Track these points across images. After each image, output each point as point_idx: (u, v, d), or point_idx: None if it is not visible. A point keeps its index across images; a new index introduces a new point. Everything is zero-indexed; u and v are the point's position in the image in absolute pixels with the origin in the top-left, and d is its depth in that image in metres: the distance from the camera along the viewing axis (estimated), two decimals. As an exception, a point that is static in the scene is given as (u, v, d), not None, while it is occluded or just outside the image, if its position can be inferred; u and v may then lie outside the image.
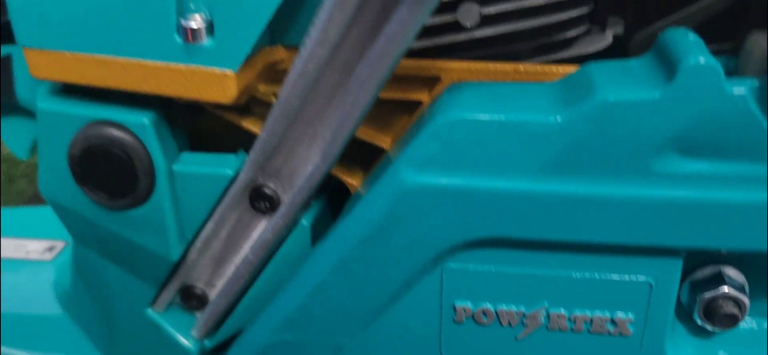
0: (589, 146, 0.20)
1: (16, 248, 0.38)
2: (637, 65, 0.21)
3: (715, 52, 0.21)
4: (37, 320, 0.35)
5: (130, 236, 0.27)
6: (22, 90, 0.32)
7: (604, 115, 0.19)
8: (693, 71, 0.19)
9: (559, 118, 0.20)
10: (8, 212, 0.43)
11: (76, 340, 0.33)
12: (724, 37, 0.22)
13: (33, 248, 0.38)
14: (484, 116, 0.20)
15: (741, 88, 0.19)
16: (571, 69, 0.23)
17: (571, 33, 0.24)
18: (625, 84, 0.20)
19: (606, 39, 0.25)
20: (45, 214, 0.42)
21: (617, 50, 0.25)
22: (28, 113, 0.34)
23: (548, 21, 0.23)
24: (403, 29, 0.20)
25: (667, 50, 0.20)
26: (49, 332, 0.34)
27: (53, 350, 0.34)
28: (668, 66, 0.19)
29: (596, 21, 0.25)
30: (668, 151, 0.20)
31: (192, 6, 0.23)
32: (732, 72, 0.21)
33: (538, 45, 0.24)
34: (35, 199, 0.61)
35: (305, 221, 0.26)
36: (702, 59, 0.19)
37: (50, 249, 0.38)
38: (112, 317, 0.30)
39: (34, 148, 0.37)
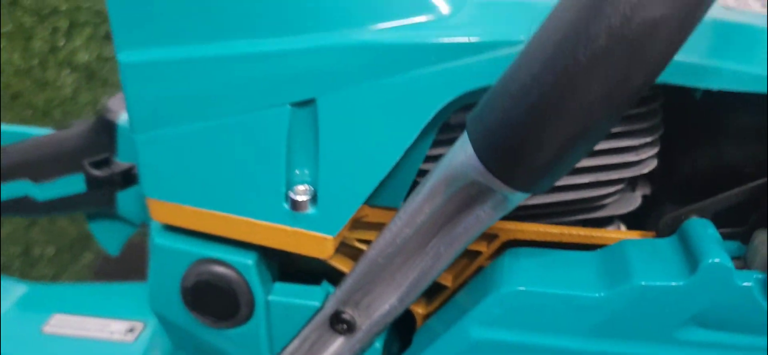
0: (626, 318, 0.25)
1: (101, 327, 0.43)
2: (665, 248, 0.25)
3: (727, 236, 0.26)
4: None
5: (227, 349, 0.32)
6: (123, 208, 0.37)
7: (639, 295, 0.24)
8: (711, 268, 0.23)
9: (602, 294, 0.25)
10: (90, 288, 0.48)
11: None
12: (736, 222, 0.26)
13: (116, 328, 0.43)
14: (540, 289, 0.25)
15: (748, 282, 0.24)
16: (609, 234, 0.28)
17: (609, 199, 0.29)
18: (656, 270, 0.24)
19: (636, 200, 0.29)
20: (122, 291, 0.47)
21: (645, 208, 0.29)
22: (120, 218, 0.39)
23: (592, 194, 0.28)
24: (478, 223, 0.24)
25: (690, 242, 0.25)
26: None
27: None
28: (691, 259, 0.24)
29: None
30: (689, 324, 0.25)
31: (299, 179, 0.27)
32: (738, 252, 0.26)
33: (579, 208, 0.29)
34: (101, 273, 0.65)
35: (378, 344, 0.31)
36: (718, 259, 0.23)
37: (131, 330, 0.43)
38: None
39: (123, 247, 0.42)
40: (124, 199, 0.37)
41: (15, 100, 0.80)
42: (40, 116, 0.81)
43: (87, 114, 0.82)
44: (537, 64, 0.19)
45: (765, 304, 0.24)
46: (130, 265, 0.64)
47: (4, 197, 0.38)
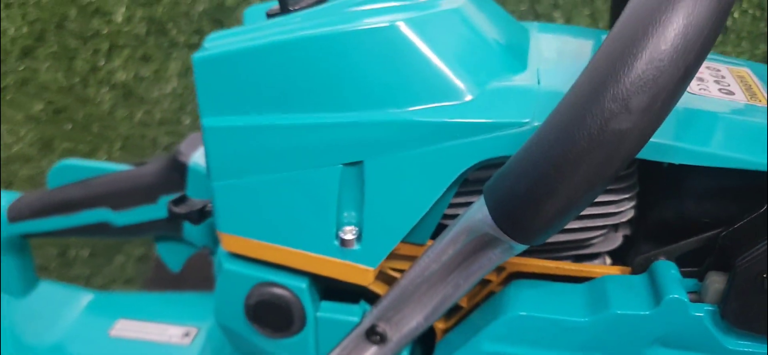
0: (605, 338, 0.31)
1: (160, 332, 0.50)
2: (637, 284, 0.32)
3: (686, 275, 0.33)
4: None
5: (279, 354, 0.39)
6: (188, 234, 0.44)
7: (615, 321, 0.31)
8: (671, 302, 0.30)
9: (586, 319, 0.31)
10: (149, 297, 0.55)
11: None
12: (694, 264, 0.33)
13: (173, 333, 0.50)
14: (538, 314, 0.32)
15: (700, 313, 0.30)
16: (595, 269, 0.34)
17: (596, 239, 0.35)
18: (629, 302, 0.31)
19: (618, 239, 0.36)
20: (177, 300, 0.54)
21: (625, 245, 0.36)
22: (184, 241, 0.46)
23: (583, 236, 0.34)
24: (489, 263, 0.31)
25: (656, 279, 0.31)
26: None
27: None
28: (657, 293, 0.31)
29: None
30: (654, 345, 0.31)
31: (346, 221, 0.34)
32: (694, 289, 0.32)
33: (572, 247, 0.36)
34: (149, 283, 0.72)
35: (405, 353, 0.38)
36: (677, 295, 0.30)
37: (187, 335, 0.50)
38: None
39: (185, 263, 0.49)
40: (190, 227, 0.44)
41: (58, 115, 0.87)
42: (80, 129, 0.88)
43: (123, 128, 0.88)
44: (536, 156, 0.26)
45: (714, 331, 0.31)
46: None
47: (86, 221, 0.45)
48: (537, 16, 0.85)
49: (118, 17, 0.81)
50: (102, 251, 0.95)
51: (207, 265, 0.47)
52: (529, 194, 0.26)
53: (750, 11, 0.82)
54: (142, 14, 0.81)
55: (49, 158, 0.89)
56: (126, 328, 0.51)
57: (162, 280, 0.72)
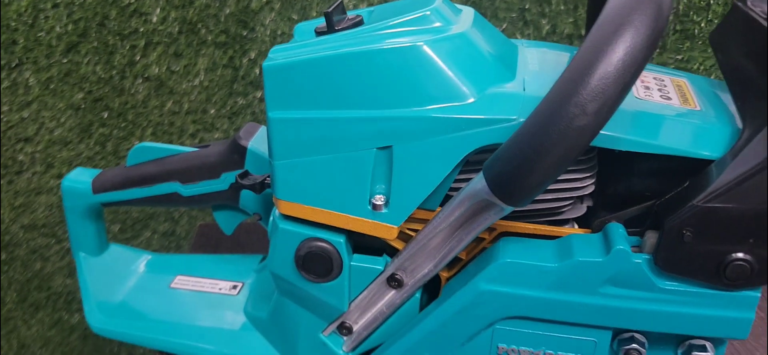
0: (570, 279, 0.42)
1: (213, 285, 0.61)
2: (594, 239, 0.43)
3: (632, 233, 0.44)
4: (233, 333, 0.57)
5: (319, 295, 0.49)
6: (243, 203, 0.55)
7: (577, 266, 0.42)
8: (618, 252, 0.41)
9: (556, 265, 0.42)
10: (201, 258, 0.65)
11: (263, 347, 0.55)
12: (638, 226, 0.44)
13: (223, 286, 0.60)
14: (520, 261, 0.43)
15: (639, 260, 0.41)
16: (565, 230, 0.45)
17: (565, 208, 0.46)
18: (587, 251, 0.42)
19: (582, 209, 0.47)
20: (225, 259, 0.64)
21: (588, 214, 0.47)
22: (239, 209, 0.57)
23: (555, 205, 0.45)
24: (486, 222, 0.41)
25: (609, 236, 0.42)
26: (243, 341, 0.56)
27: (245, 351, 0.56)
28: (608, 245, 0.42)
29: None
30: (606, 283, 0.42)
31: (378, 191, 0.45)
32: (637, 243, 0.43)
33: (548, 214, 0.46)
34: (198, 247, 0.81)
35: (417, 295, 0.49)
36: (622, 247, 0.41)
37: (234, 287, 0.60)
38: (295, 338, 0.53)
39: (236, 228, 0.59)
40: (245, 197, 0.55)
41: (96, 103, 0.96)
42: (115, 117, 0.97)
43: (154, 116, 0.97)
44: (522, 143, 0.36)
45: (649, 273, 0.42)
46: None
47: (159, 193, 0.56)
48: (526, 23, 0.95)
49: (154, 17, 0.90)
50: (130, 226, 1.05)
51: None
52: (516, 170, 0.37)
53: (715, 20, 0.93)
54: (175, 15, 0.90)
55: (86, 143, 0.98)
56: (183, 282, 0.61)
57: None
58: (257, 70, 0.94)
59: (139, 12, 0.91)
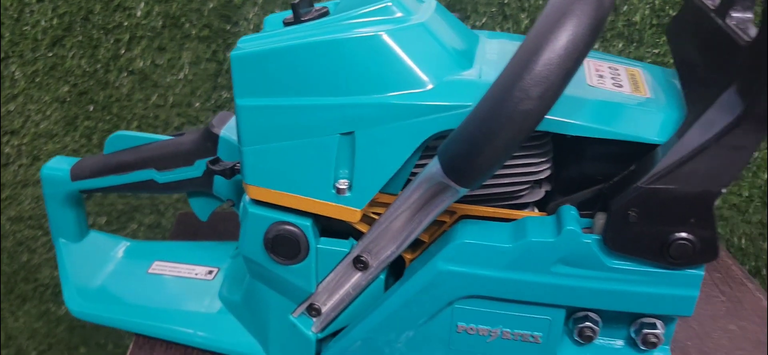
0: (523, 258, 0.44)
1: (189, 270, 0.62)
2: (548, 221, 0.45)
3: (583, 215, 0.46)
4: (208, 316, 0.59)
5: (288, 277, 0.51)
6: (217, 189, 0.57)
7: (530, 246, 0.44)
8: (568, 232, 0.43)
9: (511, 245, 0.44)
10: (178, 245, 0.67)
11: (236, 329, 0.57)
12: (589, 208, 0.46)
13: (199, 271, 0.62)
14: (478, 242, 0.45)
15: (589, 240, 0.43)
16: (522, 214, 0.47)
17: (524, 192, 0.48)
18: (540, 232, 0.44)
19: (540, 193, 0.49)
20: (201, 247, 0.66)
21: (546, 197, 0.49)
22: (213, 196, 0.59)
23: (513, 189, 0.47)
24: (442, 204, 0.43)
25: (561, 218, 0.44)
26: (217, 323, 0.58)
27: (219, 334, 0.58)
28: (560, 226, 0.44)
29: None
30: (558, 263, 0.44)
31: (341, 176, 0.46)
32: (588, 225, 0.45)
33: (506, 197, 0.48)
34: (176, 234, 0.82)
35: (382, 276, 0.50)
36: (572, 228, 0.43)
37: (210, 272, 0.62)
38: (266, 319, 0.54)
39: (210, 214, 0.61)
40: (219, 183, 0.57)
41: (81, 96, 0.98)
42: (101, 110, 0.99)
43: (139, 109, 0.98)
44: (472, 127, 0.38)
45: (598, 252, 0.44)
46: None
47: (135, 180, 0.58)
48: (505, 17, 0.97)
49: (138, 12, 0.92)
50: (116, 218, 1.06)
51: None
52: (467, 153, 0.39)
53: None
54: (158, 10, 0.92)
55: (71, 135, 1.00)
56: (161, 267, 0.63)
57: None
58: (239, 64, 0.96)
59: (122, 6, 0.92)
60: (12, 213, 1.04)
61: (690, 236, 0.41)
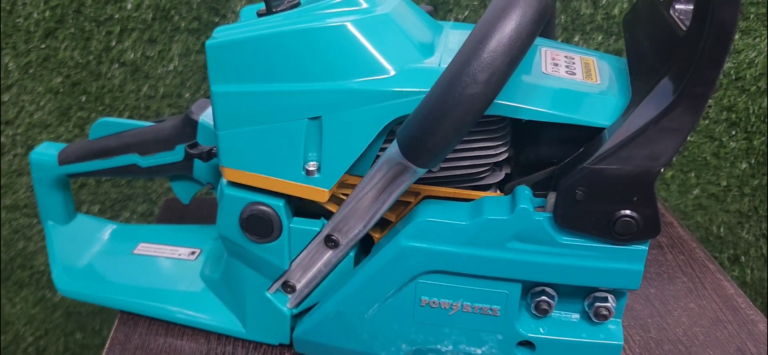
0: (480, 235, 0.47)
1: (172, 251, 0.65)
2: (503, 200, 0.48)
3: (537, 195, 0.48)
4: (190, 294, 0.62)
5: (263, 255, 0.54)
6: (197, 173, 0.59)
7: (486, 223, 0.47)
8: (522, 210, 0.46)
9: (468, 222, 0.47)
10: (162, 227, 0.70)
11: (216, 306, 0.60)
12: (543, 188, 0.49)
13: (182, 252, 0.65)
14: (438, 219, 0.47)
15: (541, 218, 0.46)
16: (479, 193, 0.50)
17: (484, 174, 0.51)
18: (495, 211, 0.47)
19: (500, 176, 0.52)
20: (184, 229, 0.69)
21: (507, 179, 0.52)
22: (193, 180, 0.62)
23: (474, 171, 0.50)
24: (404, 184, 0.46)
25: (516, 197, 0.47)
26: (198, 301, 0.61)
27: (200, 311, 0.61)
28: (514, 205, 0.47)
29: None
30: (512, 239, 0.47)
31: (310, 158, 0.49)
32: (541, 204, 0.48)
33: (468, 179, 0.51)
34: (162, 219, 0.85)
35: (351, 253, 0.53)
36: (525, 206, 0.46)
37: (192, 253, 0.65)
38: (244, 296, 0.57)
39: (192, 198, 0.64)
40: (199, 167, 0.59)
41: (74, 87, 1.00)
42: (93, 100, 1.01)
43: (130, 100, 1.01)
44: (425, 111, 0.41)
45: (549, 229, 0.46)
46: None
47: (119, 164, 0.60)
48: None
49: (129, 4, 0.94)
50: (109, 207, 1.09)
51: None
52: (421, 135, 0.42)
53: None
54: (149, 2, 0.94)
55: (65, 125, 1.02)
56: (146, 249, 0.66)
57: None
58: (227, 56, 0.98)
59: (113, -1, 0.95)
60: (8, 202, 1.07)
61: (633, 214, 0.43)
